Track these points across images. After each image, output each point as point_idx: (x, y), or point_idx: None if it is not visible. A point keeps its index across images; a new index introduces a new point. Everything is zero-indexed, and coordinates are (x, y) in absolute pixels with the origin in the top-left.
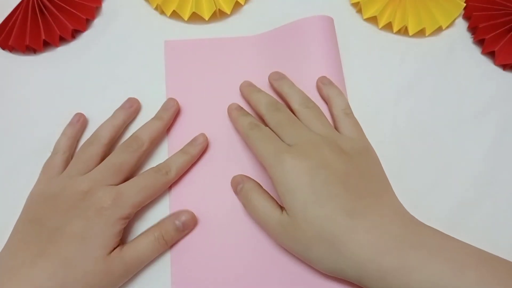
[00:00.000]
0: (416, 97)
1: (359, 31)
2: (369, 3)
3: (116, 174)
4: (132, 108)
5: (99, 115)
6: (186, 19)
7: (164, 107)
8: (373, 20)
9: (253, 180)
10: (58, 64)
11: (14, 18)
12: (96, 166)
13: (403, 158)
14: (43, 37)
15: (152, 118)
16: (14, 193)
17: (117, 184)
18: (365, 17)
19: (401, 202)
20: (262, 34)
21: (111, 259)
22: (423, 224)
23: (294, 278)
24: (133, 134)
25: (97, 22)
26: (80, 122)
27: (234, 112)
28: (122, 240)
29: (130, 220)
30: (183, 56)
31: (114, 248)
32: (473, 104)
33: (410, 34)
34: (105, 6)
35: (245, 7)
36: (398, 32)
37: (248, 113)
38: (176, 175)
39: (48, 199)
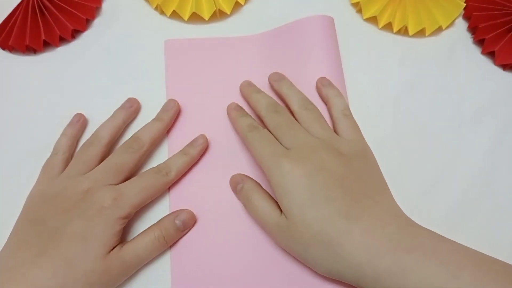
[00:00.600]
0: (416, 97)
1: (359, 31)
2: (369, 3)
3: (117, 175)
4: (132, 108)
5: (99, 115)
6: (186, 19)
7: (164, 108)
8: (373, 20)
9: (253, 179)
10: (58, 64)
11: (14, 18)
12: (96, 166)
13: (403, 158)
14: (43, 37)
15: (153, 119)
16: (14, 193)
17: (117, 184)
18: (365, 17)
19: (400, 202)
20: (262, 34)
21: (111, 258)
22: (420, 226)
23: (292, 278)
24: (134, 135)
25: (97, 22)
26: (80, 123)
27: (233, 112)
28: (122, 239)
29: (130, 219)
30: (183, 56)
31: (114, 247)
32: (473, 104)
33: (410, 34)
34: (105, 6)
35: (245, 7)
36: (398, 32)
37: (247, 113)
38: (176, 176)
39: (48, 199)
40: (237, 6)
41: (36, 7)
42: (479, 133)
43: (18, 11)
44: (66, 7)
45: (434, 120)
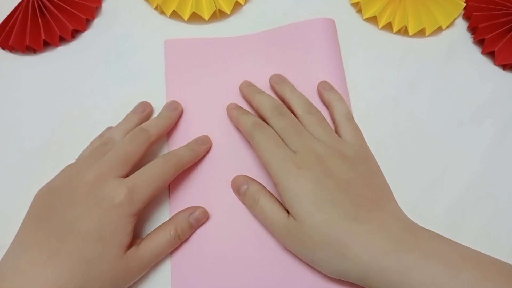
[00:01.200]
0: (416, 97)
1: (359, 31)
2: (369, 3)
3: (123, 165)
4: (145, 113)
5: (99, 115)
6: (186, 19)
7: (168, 108)
8: (373, 20)
9: (257, 182)
10: (58, 64)
11: (14, 18)
12: None
13: (403, 157)
14: (43, 37)
15: (158, 116)
16: (14, 193)
17: (124, 176)
18: (365, 17)
19: (400, 202)
20: (263, 32)
21: (128, 258)
22: (422, 228)
23: (295, 279)
24: (140, 126)
25: (97, 22)
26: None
27: (234, 112)
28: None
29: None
30: (183, 55)
31: (130, 245)
32: (472, 104)
33: (410, 34)
34: (105, 6)
35: (245, 7)
36: (398, 32)
37: (248, 111)
38: (188, 162)
39: (54, 192)
40: (237, 6)
41: (36, 7)
42: (479, 133)
43: (18, 11)
44: (66, 7)
45: (434, 120)
